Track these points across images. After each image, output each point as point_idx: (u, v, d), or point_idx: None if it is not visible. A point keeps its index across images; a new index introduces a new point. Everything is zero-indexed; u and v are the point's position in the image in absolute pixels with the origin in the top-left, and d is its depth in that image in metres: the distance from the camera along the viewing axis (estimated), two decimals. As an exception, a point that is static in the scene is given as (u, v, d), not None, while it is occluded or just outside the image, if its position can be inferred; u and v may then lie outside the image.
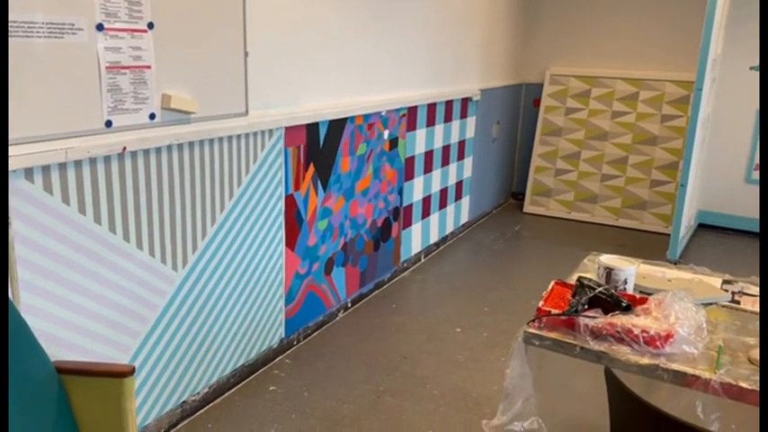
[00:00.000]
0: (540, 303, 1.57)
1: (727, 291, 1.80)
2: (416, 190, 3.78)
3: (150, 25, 1.89)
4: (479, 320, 3.22)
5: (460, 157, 4.35)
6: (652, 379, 1.40)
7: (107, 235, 1.87)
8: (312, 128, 2.72)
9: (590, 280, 1.60)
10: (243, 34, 2.25)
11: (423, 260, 4.02)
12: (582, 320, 1.47)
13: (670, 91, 4.70)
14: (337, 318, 3.16)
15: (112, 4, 1.76)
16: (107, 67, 1.78)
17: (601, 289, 1.54)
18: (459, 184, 4.40)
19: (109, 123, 1.82)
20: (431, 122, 3.80)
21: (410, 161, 3.64)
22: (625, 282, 1.67)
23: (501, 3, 4.70)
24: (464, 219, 4.60)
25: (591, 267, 1.99)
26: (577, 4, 5.05)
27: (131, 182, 1.92)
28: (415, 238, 3.87)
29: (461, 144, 4.32)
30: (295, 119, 2.59)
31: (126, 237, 1.93)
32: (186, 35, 2.02)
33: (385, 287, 3.58)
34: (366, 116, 3.11)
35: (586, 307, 1.53)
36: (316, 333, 3.00)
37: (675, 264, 3.00)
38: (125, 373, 1.42)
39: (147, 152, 1.95)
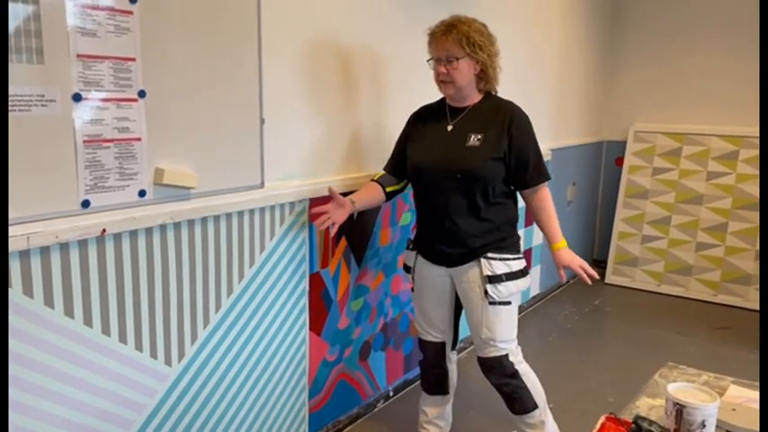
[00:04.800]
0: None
1: None
2: (475, 261, 3.40)
3: (141, 93, 1.70)
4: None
5: (528, 223, 3.93)
6: None
7: (81, 329, 1.64)
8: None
9: (651, 422, 1.19)
10: (259, 100, 2.04)
11: (484, 339, 3.59)
12: (635, 489, 1.06)
13: (777, 149, 4.09)
14: (375, 409, 2.80)
15: (94, 72, 1.58)
16: (85, 142, 1.59)
17: (665, 441, 1.12)
18: (526, 253, 3.97)
19: (86, 203, 1.61)
20: (491, 187, 3.44)
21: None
22: (703, 425, 1.23)
23: (574, 52, 4.33)
24: (534, 291, 4.14)
25: (664, 387, 1.54)
26: (664, 53, 4.58)
27: (113, 268, 1.70)
28: (473, 315, 3.46)
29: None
30: (323, 189, 2.32)
31: (105, 330, 1.70)
32: (188, 103, 1.82)
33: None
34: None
35: (644, 466, 1.11)
36: (348, 428, 2.65)
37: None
38: None
39: (134, 233, 1.73)
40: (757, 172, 4.18)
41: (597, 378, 3.18)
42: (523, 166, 2.11)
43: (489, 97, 2.17)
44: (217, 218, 1.96)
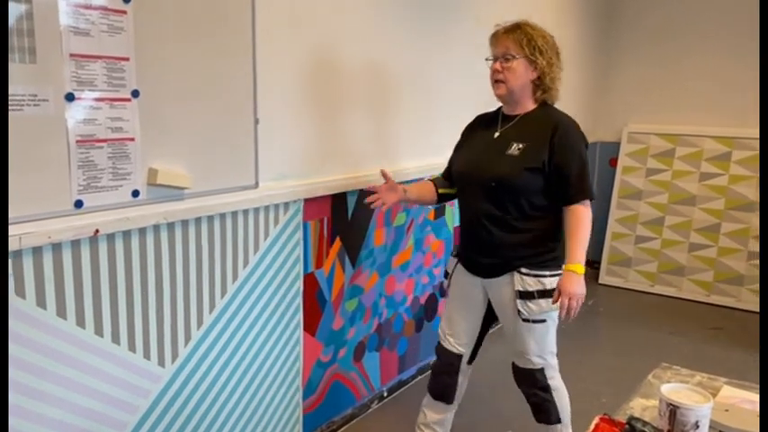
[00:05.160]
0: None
1: None
2: (469, 262, 3.40)
3: (135, 93, 1.69)
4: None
5: (523, 223, 3.94)
6: None
7: (73, 330, 1.63)
8: (339, 198, 2.44)
9: (645, 423, 1.19)
10: (253, 100, 2.03)
11: (478, 339, 3.59)
12: (629, 490, 1.06)
13: (769, 150, 4.11)
14: (370, 410, 2.80)
15: (87, 71, 1.57)
16: (78, 141, 1.58)
17: (658, 442, 1.12)
18: (521, 254, 3.97)
19: (79, 203, 1.60)
20: (486, 187, 3.44)
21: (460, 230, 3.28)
22: (696, 426, 1.23)
23: (568, 52, 4.33)
24: (528, 291, 4.14)
25: (657, 387, 1.55)
26: (658, 53, 4.60)
27: (106, 268, 1.69)
28: (467, 316, 3.47)
29: (523, 210, 3.91)
30: (317, 189, 2.32)
31: (98, 331, 1.69)
32: (182, 103, 1.81)
33: (429, 372, 3.18)
34: (406, 183, 2.80)
35: (637, 467, 1.12)
36: (343, 428, 2.64)
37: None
38: None
39: (127, 234, 1.72)
40: (749, 173, 4.20)
41: (591, 378, 3.19)
42: (564, 179, 1.98)
43: (544, 107, 2.08)
44: (210, 218, 1.95)
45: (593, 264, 4.98)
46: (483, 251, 2.11)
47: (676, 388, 1.31)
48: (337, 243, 2.47)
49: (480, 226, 2.09)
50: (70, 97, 1.55)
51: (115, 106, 1.65)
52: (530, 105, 2.07)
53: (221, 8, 1.87)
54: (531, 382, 2.16)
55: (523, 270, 2.03)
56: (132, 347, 1.79)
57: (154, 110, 1.74)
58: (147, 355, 1.83)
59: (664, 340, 3.69)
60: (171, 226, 1.84)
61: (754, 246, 4.19)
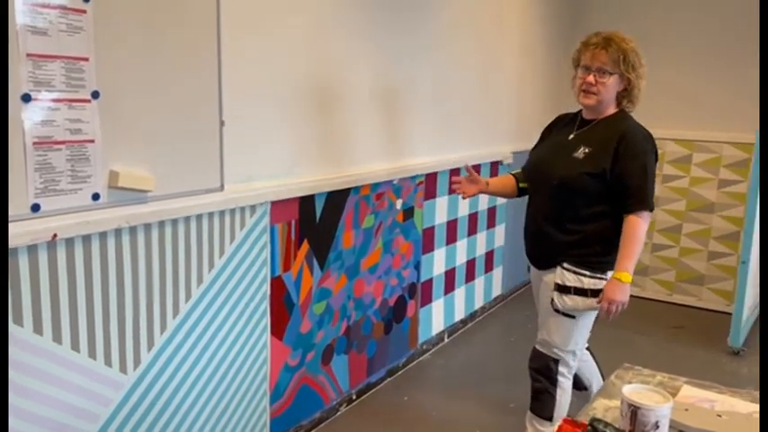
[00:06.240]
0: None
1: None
2: (437, 263, 3.42)
3: (95, 94, 1.65)
4: (502, 421, 2.78)
5: (491, 225, 3.98)
6: None
7: (30, 337, 1.58)
8: (307, 201, 2.43)
9: (607, 424, 1.21)
10: (218, 101, 2.00)
11: (446, 340, 3.61)
12: (591, 492, 1.08)
13: (728, 153, 4.22)
14: (338, 413, 2.78)
15: (44, 71, 1.53)
16: (35, 143, 1.54)
17: (620, 443, 1.14)
18: (488, 255, 4.00)
19: (36, 207, 1.56)
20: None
21: (429, 232, 3.29)
22: (656, 426, 1.25)
23: (536, 58, 4.39)
24: (496, 292, 4.18)
25: (619, 388, 1.57)
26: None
27: (65, 273, 1.65)
28: (436, 317, 3.48)
29: (491, 211, 3.95)
30: (285, 192, 2.30)
31: (56, 338, 1.65)
32: (144, 104, 1.77)
33: (399, 374, 3.19)
34: (374, 185, 2.80)
35: (600, 468, 1.13)
36: (310, 432, 2.63)
37: (738, 353, 3.24)
38: None
39: (87, 238, 1.68)
40: (709, 175, 4.31)
41: (557, 378, 3.22)
42: (624, 188, 2.03)
43: (620, 115, 2.15)
44: (174, 221, 1.92)
45: (559, 264, 5.04)
46: (537, 244, 2.23)
47: (637, 388, 1.33)
48: (305, 246, 2.45)
49: (538, 222, 2.19)
50: (26, 98, 1.51)
51: (74, 107, 1.61)
52: (609, 112, 2.15)
53: (184, 6, 1.84)
54: (542, 369, 2.22)
55: (565, 265, 2.11)
56: (93, 354, 1.75)
57: (115, 111, 1.70)
58: (108, 362, 1.79)
59: (628, 339, 3.75)
60: (133, 230, 1.80)
61: (715, 246, 4.29)
